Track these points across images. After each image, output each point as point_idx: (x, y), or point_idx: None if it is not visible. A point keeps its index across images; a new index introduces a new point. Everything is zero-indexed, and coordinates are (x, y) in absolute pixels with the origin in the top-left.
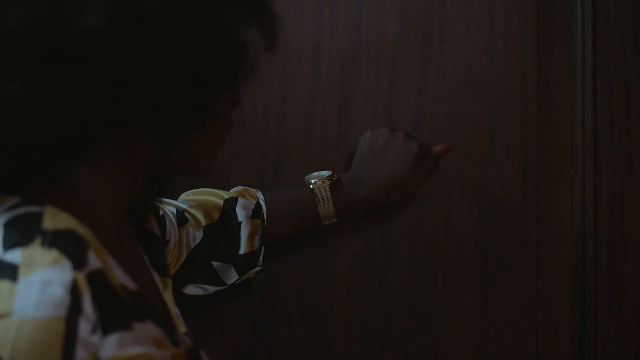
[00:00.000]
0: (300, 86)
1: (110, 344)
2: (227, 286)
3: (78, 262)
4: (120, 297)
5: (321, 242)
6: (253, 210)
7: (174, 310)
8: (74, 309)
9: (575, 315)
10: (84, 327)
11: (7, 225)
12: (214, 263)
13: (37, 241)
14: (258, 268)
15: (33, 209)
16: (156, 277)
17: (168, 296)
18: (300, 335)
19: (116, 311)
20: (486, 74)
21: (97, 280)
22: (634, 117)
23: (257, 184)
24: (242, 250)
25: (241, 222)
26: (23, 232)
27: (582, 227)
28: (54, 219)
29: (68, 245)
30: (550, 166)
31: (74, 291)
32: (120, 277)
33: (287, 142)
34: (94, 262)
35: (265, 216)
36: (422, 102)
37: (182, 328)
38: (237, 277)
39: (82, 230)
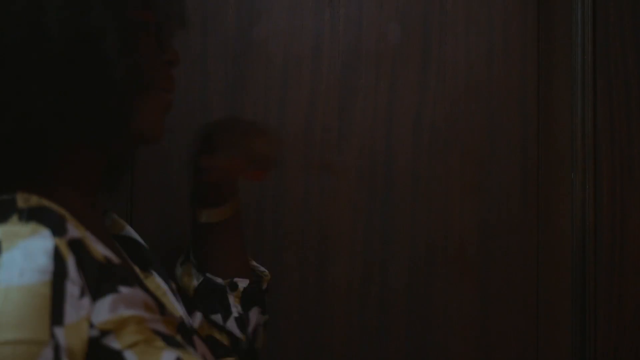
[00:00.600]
0: (301, 89)
1: (102, 308)
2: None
3: (58, 230)
4: (104, 264)
5: (322, 244)
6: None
7: (162, 292)
8: (58, 274)
9: (575, 317)
10: (71, 290)
11: None
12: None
13: (14, 218)
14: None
15: (4, 197)
16: (135, 268)
17: (150, 283)
18: (300, 337)
19: (103, 276)
20: (486, 77)
21: (79, 247)
22: (634, 119)
23: (256, 186)
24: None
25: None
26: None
27: (582, 229)
28: (27, 200)
29: (45, 217)
30: (550, 168)
31: (57, 256)
32: (101, 250)
33: (287, 145)
34: (73, 231)
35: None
36: (423, 104)
37: (175, 312)
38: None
39: (55, 207)
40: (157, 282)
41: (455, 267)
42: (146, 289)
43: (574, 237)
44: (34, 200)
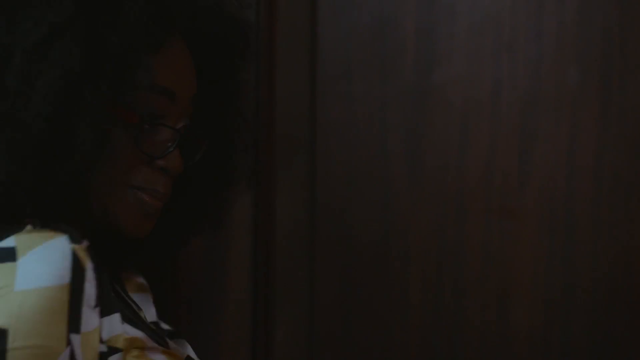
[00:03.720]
0: (480, 133)
1: (112, 323)
2: None
3: (74, 237)
4: (113, 282)
5: (503, 289)
6: None
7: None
8: (77, 278)
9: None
10: (88, 298)
11: None
12: None
13: (29, 227)
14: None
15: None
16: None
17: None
18: None
19: (115, 292)
20: None
21: (95, 255)
22: None
23: (437, 232)
24: None
25: None
26: (13, 227)
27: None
28: (34, 221)
29: (59, 226)
30: None
31: (75, 260)
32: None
33: (467, 190)
34: (86, 242)
35: None
36: (603, 148)
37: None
38: None
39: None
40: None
41: None
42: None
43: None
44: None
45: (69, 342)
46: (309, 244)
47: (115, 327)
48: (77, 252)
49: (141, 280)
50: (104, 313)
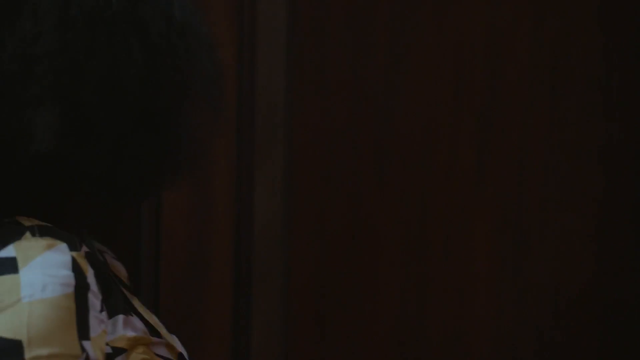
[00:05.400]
0: (442, 131)
1: (116, 325)
2: None
3: (72, 245)
4: (115, 282)
5: None
6: None
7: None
8: (80, 286)
9: None
10: (93, 303)
11: None
12: None
13: (27, 234)
14: None
15: (4, 221)
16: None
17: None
18: None
19: (117, 293)
20: None
21: (94, 261)
22: None
23: (403, 226)
24: None
25: None
26: (10, 232)
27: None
28: (31, 220)
29: (57, 233)
30: None
31: (77, 269)
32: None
33: (429, 186)
34: (84, 247)
35: None
36: (551, 152)
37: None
38: None
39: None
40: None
41: None
42: (141, 317)
43: None
44: (36, 221)
45: (82, 349)
46: (285, 236)
47: (118, 329)
48: (77, 260)
49: (125, 273)
50: (110, 314)
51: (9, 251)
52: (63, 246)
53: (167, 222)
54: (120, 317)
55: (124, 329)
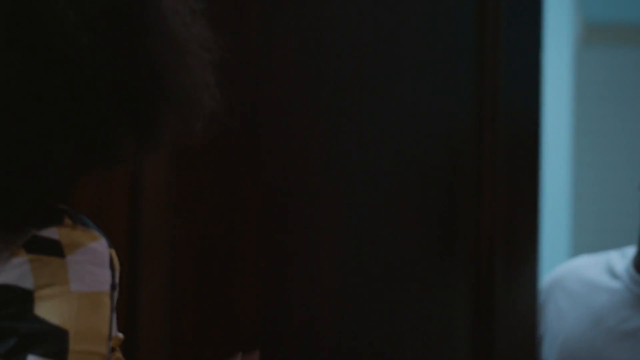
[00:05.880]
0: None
1: (114, 325)
2: None
3: (109, 241)
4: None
5: None
6: None
7: None
8: (113, 284)
9: None
10: (115, 303)
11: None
12: None
13: (67, 220)
14: None
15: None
16: None
17: None
18: None
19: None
20: None
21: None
22: None
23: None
24: None
25: None
26: (49, 212)
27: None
28: (70, 213)
29: (90, 223)
30: None
31: (113, 266)
32: None
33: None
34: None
35: None
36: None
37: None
38: None
39: None
40: None
41: None
42: None
43: None
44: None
45: (108, 349)
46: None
47: (113, 328)
48: (113, 259)
49: None
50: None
51: (51, 233)
52: (105, 242)
53: None
54: (114, 317)
55: (115, 329)
